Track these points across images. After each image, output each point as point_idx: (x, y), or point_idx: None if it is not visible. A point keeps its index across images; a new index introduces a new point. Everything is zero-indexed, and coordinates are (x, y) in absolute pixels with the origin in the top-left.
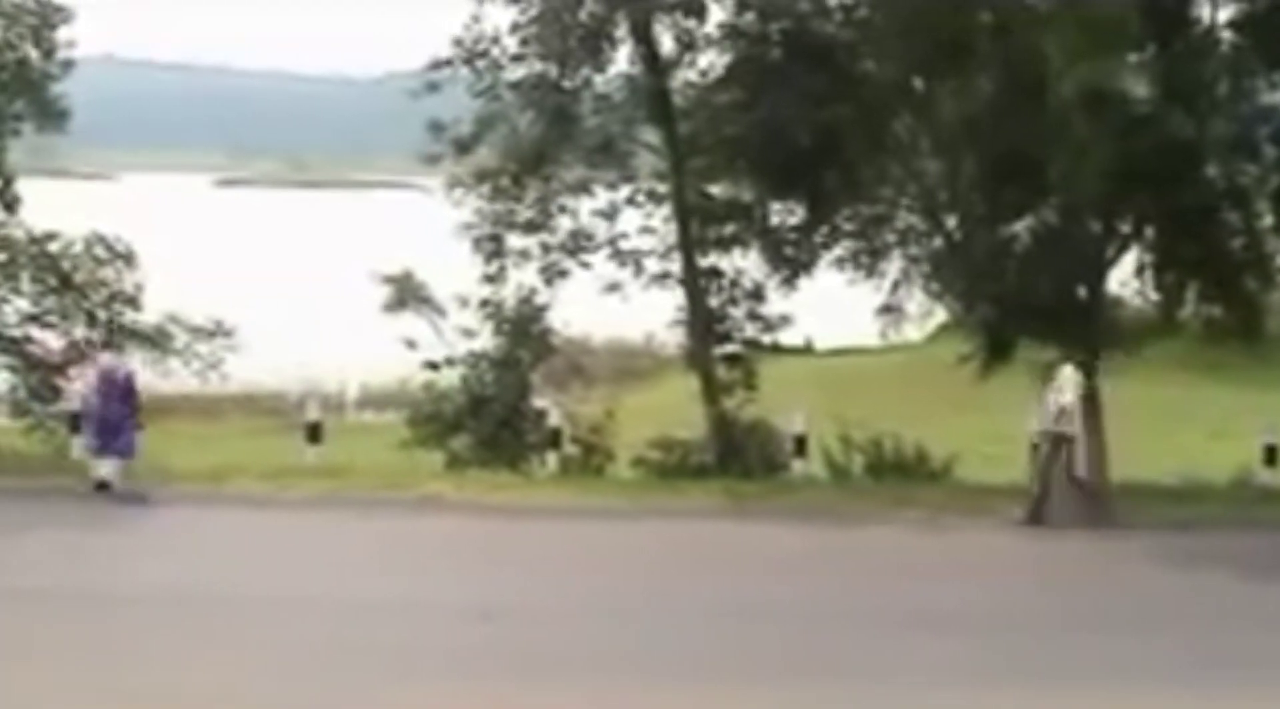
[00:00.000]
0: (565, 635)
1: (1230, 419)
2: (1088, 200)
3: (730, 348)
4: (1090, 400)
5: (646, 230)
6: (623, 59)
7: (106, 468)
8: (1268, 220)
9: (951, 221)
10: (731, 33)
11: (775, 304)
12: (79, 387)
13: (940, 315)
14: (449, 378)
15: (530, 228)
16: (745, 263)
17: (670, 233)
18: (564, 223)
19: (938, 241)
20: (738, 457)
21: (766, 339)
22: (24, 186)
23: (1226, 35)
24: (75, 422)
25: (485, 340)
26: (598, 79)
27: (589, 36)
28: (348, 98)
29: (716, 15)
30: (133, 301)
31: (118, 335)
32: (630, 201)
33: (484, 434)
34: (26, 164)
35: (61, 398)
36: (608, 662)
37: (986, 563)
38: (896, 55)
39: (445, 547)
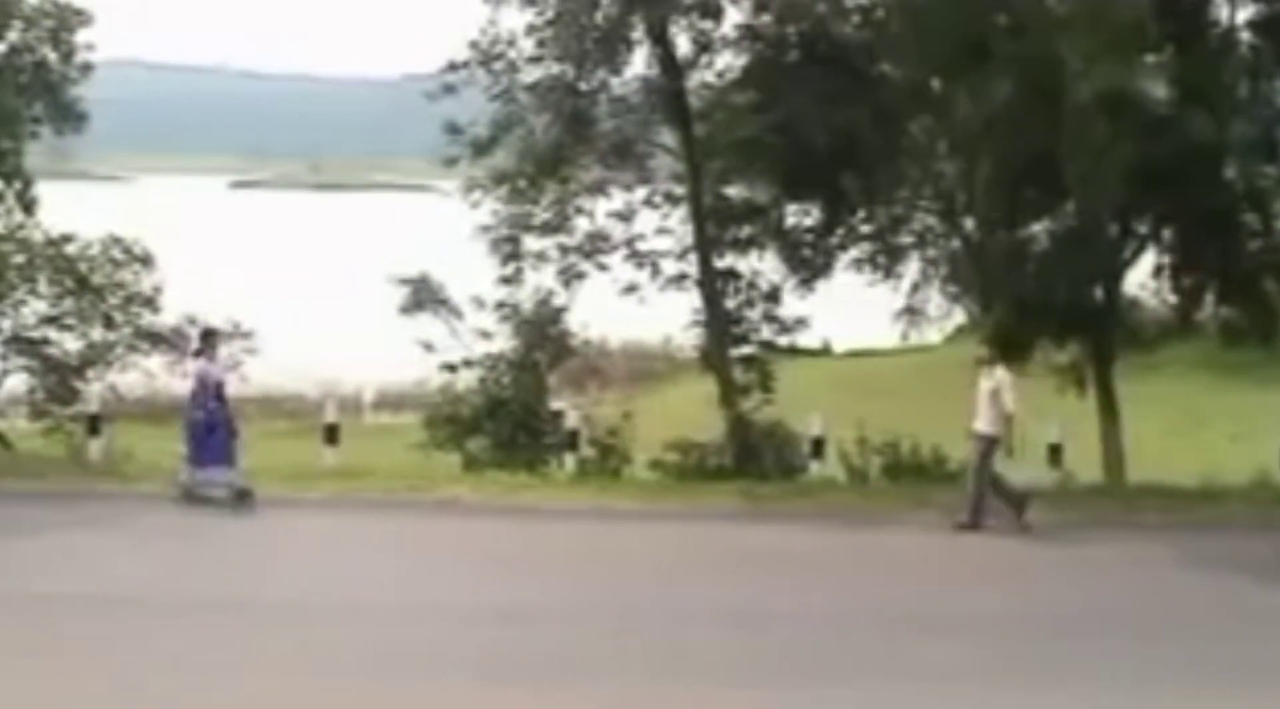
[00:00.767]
0: (583, 637)
1: (1250, 420)
2: (1106, 202)
3: (747, 350)
4: (1108, 402)
5: (663, 232)
6: (639, 61)
7: (226, 475)
8: None
9: (969, 223)
10: (748, 34)
11: (792, 306)
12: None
13: (958, 317)
14: (466, 380)
15: (547, 230)
16: (762, 265)
17: (687, 234)
18: (581, 225)
19: (955, 243)
20: (755, 459)
21: (783, 341)
22: (42, 189)
23: (1245, 37)
24: (93, 423)
25: (502, 342)
26: (614, 81)
27: (605, 39)
28: (364, 100)
29: (733, 17)
30: (150, 303)
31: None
32: (647, 203)
33: (501, 436)
34: (45, 166)
35: (79, 400)
36: (625, 664)
37: (1004, 565)
38: (914, 57)
39: (463, 548)
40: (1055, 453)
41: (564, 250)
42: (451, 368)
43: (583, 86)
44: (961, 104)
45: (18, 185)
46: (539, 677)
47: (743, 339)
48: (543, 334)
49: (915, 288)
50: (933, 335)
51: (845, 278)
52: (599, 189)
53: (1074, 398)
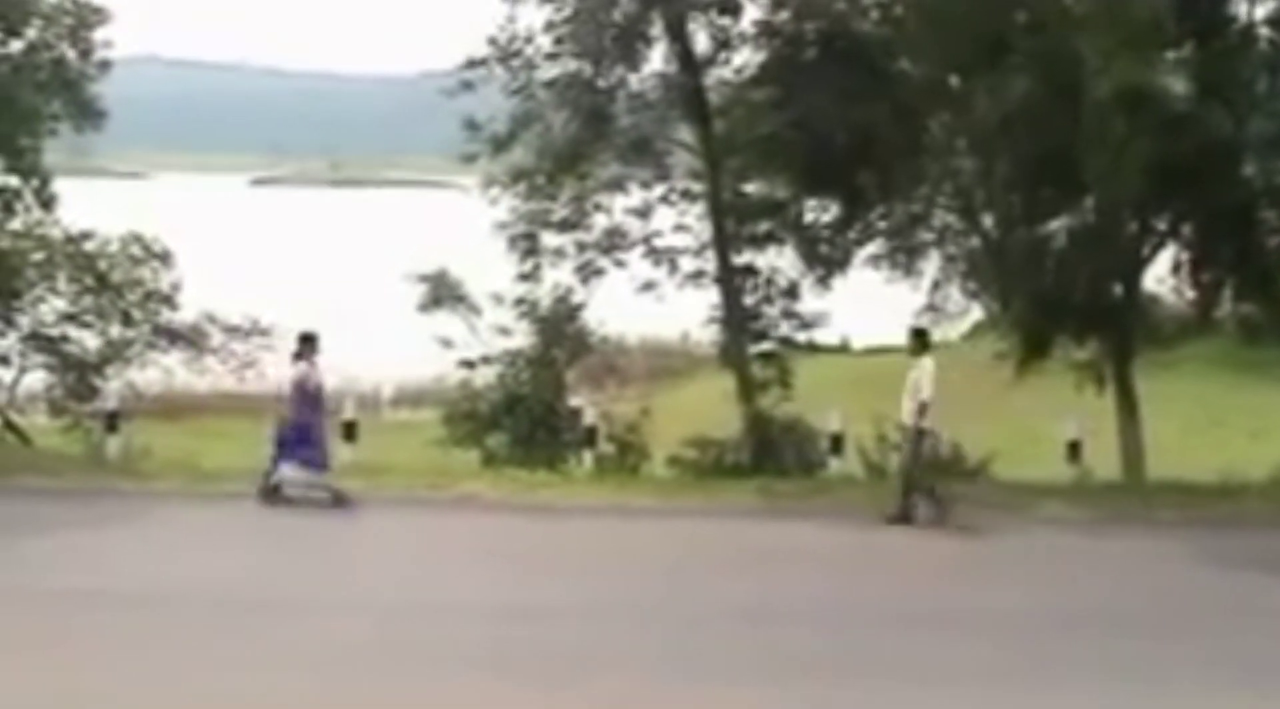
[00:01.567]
0: (599, 634)
1: (1268, 418)
2: (1124, 199)
3: (765, 346)
4: (1127, 399)
5: (681, 228)
6: (657, 58)
7: (319, 484)
8: None
9: (988, 220)
10: (766, 31)
11: (811, 303)
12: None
13: (977, 314)
14: (485, 376)
15: (565, 226)
16: (780, 261)
17: (705, 231)
18: (599, 221)
19: (974, 240)
20: (773, 456)
21: (802, 338)
22: (62, 186)
23: (1264, 32)
24: (111, 421)
25: (521, 339)
26: (632, 78)
27: (623, 35)
28: (383, 97)
29: (751, 13)
30: (169, 300)
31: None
32: (664, 200)
33: (520, 433)
34: (64, 164)
35: (98, 397)
36: (640, 661)
37: (1021, 562)
38: (932, 54)
39: (481, 545)
40: (1074, 449)
41: (582, 247)
42: (470, 364)
43: (601, 83)
44: (980, 101)
45: (36, 183)
46: (554, 673)
47: (761, 335)
48: (561, 331)
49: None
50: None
51: (864, 275)
52: (617, 186)
53: (1093, 395)
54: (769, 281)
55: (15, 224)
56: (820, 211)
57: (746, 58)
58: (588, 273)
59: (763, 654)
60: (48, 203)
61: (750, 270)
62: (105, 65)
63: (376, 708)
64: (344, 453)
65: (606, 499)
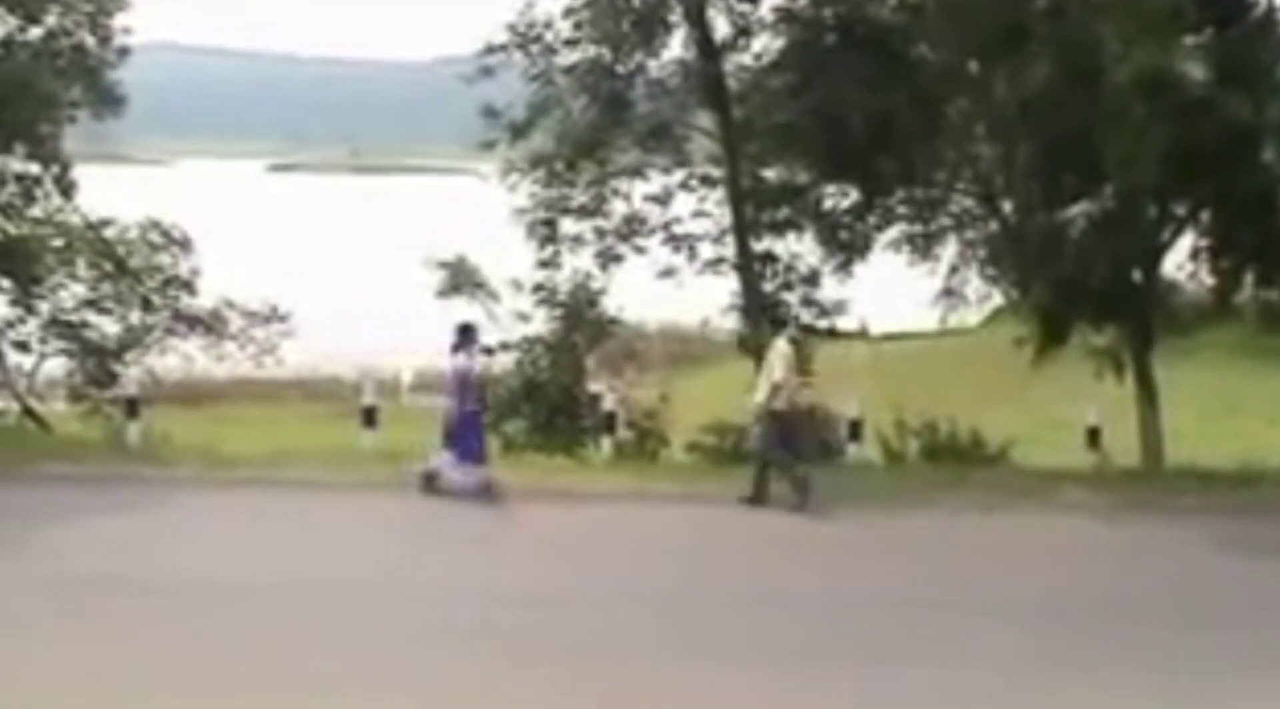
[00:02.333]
0: (618, 620)
1: None
2: (1144, 185)
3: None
4: (1146, 385)
5: (700, 215)
6: (676, 44)
7: (473, 474)
8: None
9: (1007, 206)
10: (786, 17)
11: (831, 289)
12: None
13: (997, 299)
14: (503, 362)
15: (584, 213)
16: (800, 247)
17: (724, 217)
18: (618, 207)
19: (993, 226)
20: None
21: (822, 324)
22: (81, 172)
23: None
24: (131, 407)
25: (540, 325)
26: (651, 64)
27: (642, 21)
28: (402, 83)
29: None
30: (189, 286)
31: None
32: (684, 186)
33: (539, 419)
34: (84, 150)
35: (117, 383)
36: (658, 646)
37: (1041, 548)
38: (951, 39)
39: (501, 531)
40: (1093, 436)
41: (601, 233)
42: (489, 350)
43: (620, 69)
44: (999, 86)
45: (56, 169)
46: (572, 659)
47: (780, 322)
48: (580, 317)
49: (954, 270)
50: (971, 318)
51: (883, 262)
52: (636, 172)
53: (1112, 381)
54: (789, 268)
55: (35, 211)
56: (839, 197)
57: (765, 44)
58: (607, 259)
59: (789, 639)
60: (67, 190)
61: (770, 257)
62: (124, 52)
63: (394, 692)
64: (364, 439)
65: (626, 485)
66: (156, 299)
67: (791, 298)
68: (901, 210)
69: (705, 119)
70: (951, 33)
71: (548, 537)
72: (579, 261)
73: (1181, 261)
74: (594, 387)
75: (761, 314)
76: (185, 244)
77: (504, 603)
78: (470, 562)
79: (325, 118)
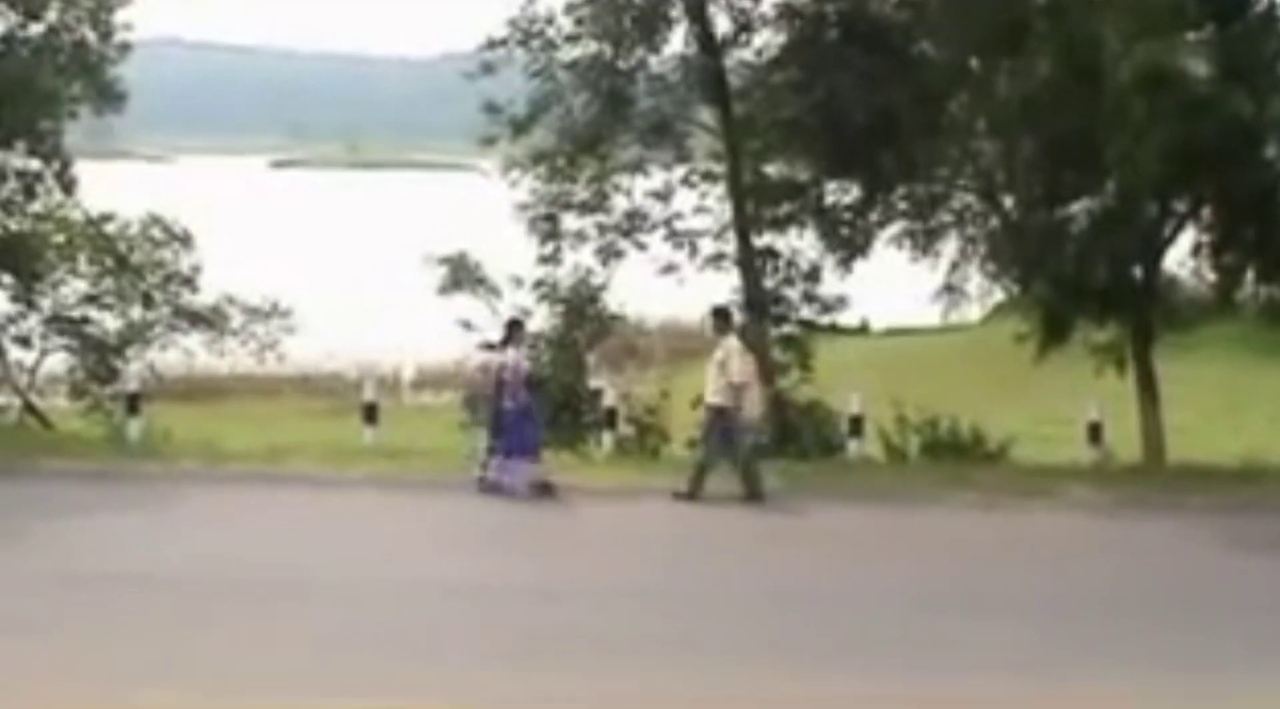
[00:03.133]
0: (621, 617)
1: None
2: (1145, 181)
3: (786, 329)
4: (1147, 382)
5: (701, 211)
6: (678, 39)
7: (522, 472)
8: None
9: (1008, 202)
10: (787, 13)
11: (831, 285)
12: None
13: (997, 295)
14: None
15: (585, 209)
16: (801, 243)
17: (725, 213)
18: (619, 203)
19: (994, 222)
20: (793, 438)
21: (823, 320)
22: (82, 168)
23: None
24: (133, 403)
25: (541, 321)
26: (653, 59)
27: (644, 17)
28: (403, 79)
29: None
30: (190, 282)
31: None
32: (685, 182)
33: (541, 415)
34: (85, 146)
35: (118, 379)
36: (661, 643)
37: (1043, 545)
38: (953, 36)
39: (503, 528)
40: (1095, 432)
41: (602, 229)
42: (490, 346)
43: (621, 65)
44: (1001, 83)
45: (57, 165)
46: (575, 656)
47: (781, 318)
48: (581, 313)
49: (954, 266)
50: (972, 314)
51: (884, 258)
52: (637, 168)
53: (1113, 378)
54: (790, 264)
55: (36, 207)
56: (841, 194)
57: (767, 40)
58: (608, 255)
59: (790, 636)
60: (68, 185)
61: (771, 252)
62: (125, 48)
63: (392, 688)
64: (365, 436)
65: (627, 481)
66: (158, 295)
67: (792, 293)
68: (903, 206)
69: (706, 115)
70: (953, 29)
71: (548, 533)
72: (580, 257)
73: (1183, 258)
74: (595, 382)
75: (762, 310)
76: (186, 240)
77: (503, 599)
78: (470, 558)
79: (327, 114)
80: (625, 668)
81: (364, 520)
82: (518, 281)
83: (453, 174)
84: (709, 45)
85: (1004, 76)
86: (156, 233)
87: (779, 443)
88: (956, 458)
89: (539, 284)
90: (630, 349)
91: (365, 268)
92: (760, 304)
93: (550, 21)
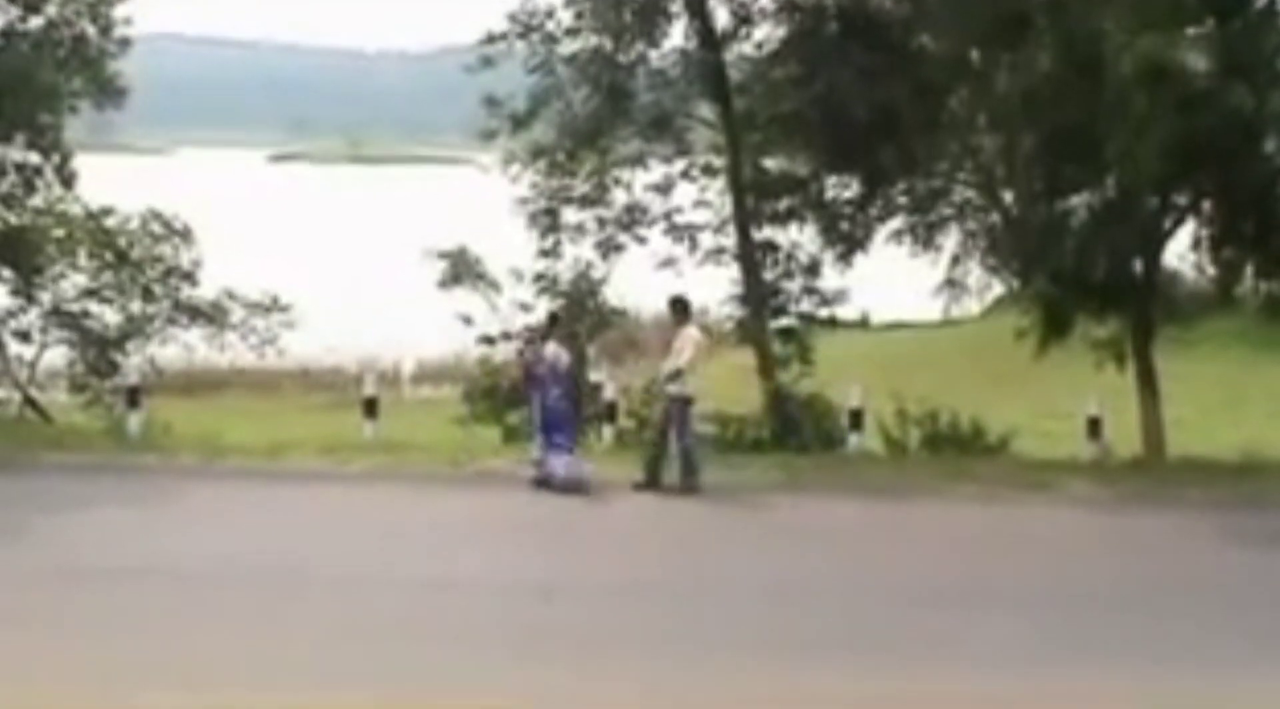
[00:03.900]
0: (621, 611)
1: None
2: (1145, 175)
3: (785, 322)
4: (1147, 376)
5: (701, 205)
6: (678, 33)
7: (563, 466)
8: None
9: (1008, 196)
10: (787, 7)
11: (831, 279)
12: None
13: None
14: (505, 352)
15: (585, 202)
16: (801, 237)
17: (725, 207)
18: (619, 197)
19: (994, 216)
20: (793, 431)
21: (822, 313)
22: (83, 163)
23: None
24: (132, 396)
25: (541, 315)
26: (653, 54)
27: (644, 11)
28: (403, 74)
29: None
30: (189, 277)
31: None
32: (685, 176)
33: None
34: (86, 141)
35: (118, 373)
36: (666, 638)
37: (1044, 539)
38: (953, 30)
39: (503, 522)
40: (1095, 426)
41: (602, 223)
42: (490, 341)
43: (621, 59)
44: (1001, 77)
45: (57, 160)
46: (574, 650)
47: (781, 311)
48: (581, 306)
49: (955, 260)
50: (973, 308)
51: (884, 251)
52: (637, 162)
53: (1113, 372)
54: (789, 258)
55: (36, 201)
56: (841, 188)
57: (767, 34)
58: (608, 248)
59: (792, 629)
60: (68, 180)
61: (771, 246)
62: (125, 43)
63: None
64: (365, 430)
65: (627, 474)
66: (157, 289)
67: (792, 287)
68: (903, 201)
69: (706, 109)
70: (953, 23)
71: (546, 526)
72: (580, 251)
73: (1183, 252)
74: (595, 376)
75: (762, 304)
76: (186, 234)
77: (502, 593)
78: (469, 552)
79: (327, 108)
80: (621, 662)
81: (364, 514)
82: (518, 275)
83: (453, 168)
84: (709, 39)
85: (1004, 71)
86: (156, 227)
87: (779, 436)
88: (956, 452)
89: (539, 278)
90: (630, 342)
91: (365, 262)
92: (760, 298)
93: (550, 15)
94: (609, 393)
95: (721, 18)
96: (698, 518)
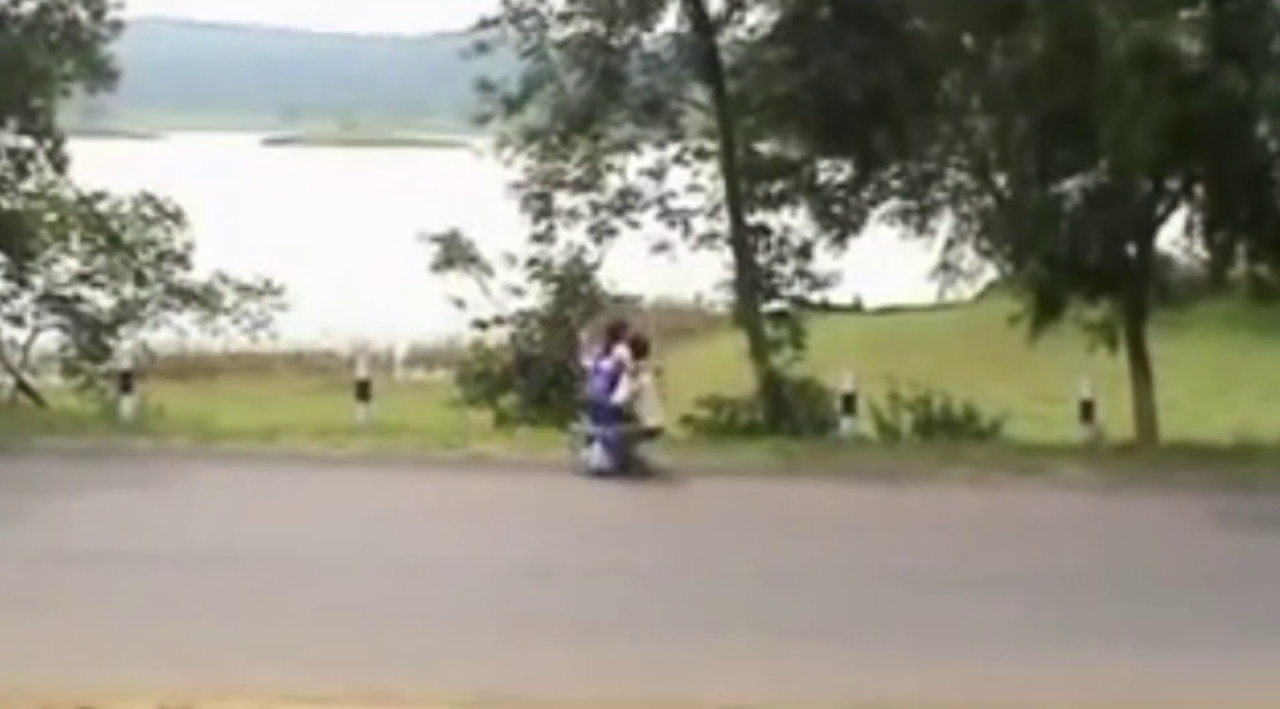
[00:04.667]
0: (615, 595)
1: None
2: (1139, 159)
3: (778, 306)
4: (1140, 360)
5: (694, 189)
6: (671, 17)
7: (598, 457)
8: None
9: (1001, 180)
10: None
11: (824, 262)
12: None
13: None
14: (498, 337)
15: (578, 187)
16: (794, 221)
17: (718, 191)
18: (612, 182)
19: (988, 200)
20: (786, 415)
21: (815, 297)
22: (76, 147)
23: None
24: (125, 381)
25: (534, 299)
26: (645, 37)
27: None
28: (397, 57)
29: None
30: (182, 260)
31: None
32: (678, 160)
33: (533, 393)
34: (78, 125)
35: (111, 357)
36: (654, 620)
37: (1035, 522)
38: (946, 13)
39: (495, 505)
40: (1087, 409)
41: (595, 207)
42: (483, 325)
43: (614, 43)
44: (994, 60)
45: (49, 143)
46: (570, 633)
47: (774, 295)
48: (574, 291)
49: (949, 244)
50: (966, 292)
51: (877, 235)
52: (630, 146)
53: (1106, 356)
54: (782, 241)
55: (28, 185)
56: (834, 171)
57: (760, 17)
58: (601, 233)
59: (784, 612)
60: (60, 164)
61: (764, 230)
62: (117, 26)
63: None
64: (358, 413)
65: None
66: (150, 273)
67: (785, 270)
68: (896, 185)
69: (699, 93)
70: (946, 6)
71: (539, 509)
72: (573, 236)
73: (1176, 236)
74: (587, 361)
75: (754, 287)
76: (178, 218)
77: (496, 577)
78: (466, 534)
79: (320, 92)
80: (613, 645)
81: (357, 497)
82: (511, 260)
83: (446, 152)
84: (702, 23)
85: (998, 54)
86: (149, 211)
87: (772, 420)
88: (949, 436)
89: (532, 262)
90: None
91: (358, 246)
92: (752, 282)
93: (543, 0)
94: None
95: (714, 1)
96: (691, 502)
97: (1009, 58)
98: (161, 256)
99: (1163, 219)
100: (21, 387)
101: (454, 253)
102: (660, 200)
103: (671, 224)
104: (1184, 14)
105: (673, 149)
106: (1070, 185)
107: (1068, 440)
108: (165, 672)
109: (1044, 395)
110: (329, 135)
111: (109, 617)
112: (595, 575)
